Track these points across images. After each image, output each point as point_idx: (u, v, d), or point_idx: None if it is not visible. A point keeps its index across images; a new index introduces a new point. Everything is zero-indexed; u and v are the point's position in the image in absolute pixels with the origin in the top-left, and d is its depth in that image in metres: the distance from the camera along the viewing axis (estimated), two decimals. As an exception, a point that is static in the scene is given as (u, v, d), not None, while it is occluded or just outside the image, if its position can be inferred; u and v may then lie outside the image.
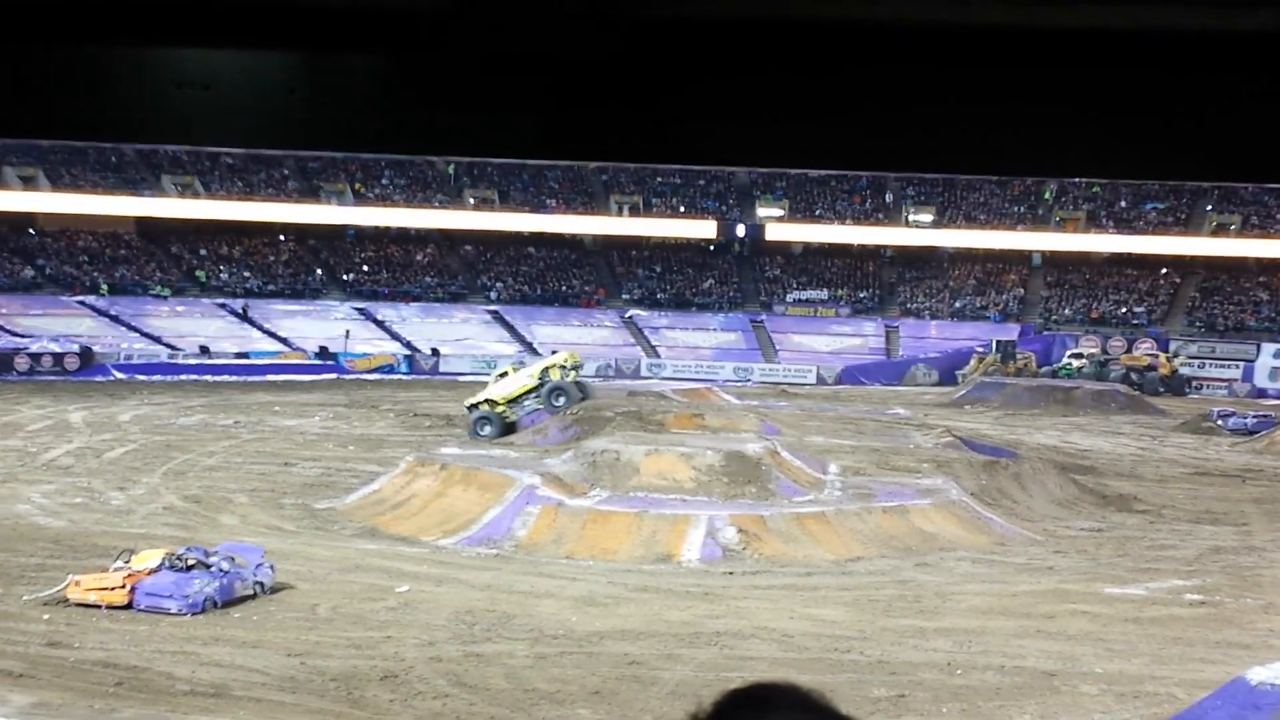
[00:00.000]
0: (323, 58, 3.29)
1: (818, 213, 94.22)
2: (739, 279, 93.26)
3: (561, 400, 52.30)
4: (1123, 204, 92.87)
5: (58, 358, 71.34)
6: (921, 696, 23.26)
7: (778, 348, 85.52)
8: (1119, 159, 3.37)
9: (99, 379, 68.78)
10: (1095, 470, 48.26)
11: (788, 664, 24.35)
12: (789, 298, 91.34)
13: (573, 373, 53.78)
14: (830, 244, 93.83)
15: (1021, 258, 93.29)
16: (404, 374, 77.49)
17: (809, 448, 43.93)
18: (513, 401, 53.20)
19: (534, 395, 53.21)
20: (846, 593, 30.59)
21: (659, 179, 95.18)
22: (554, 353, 56.96)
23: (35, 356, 70.93)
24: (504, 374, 54.57)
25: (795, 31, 3.08)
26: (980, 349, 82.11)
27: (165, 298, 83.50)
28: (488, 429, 51.82)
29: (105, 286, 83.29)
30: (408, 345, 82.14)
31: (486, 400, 53.16)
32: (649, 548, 33.55)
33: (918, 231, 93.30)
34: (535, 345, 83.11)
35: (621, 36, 3.09)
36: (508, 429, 52.22)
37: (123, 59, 3.31)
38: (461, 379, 75.23)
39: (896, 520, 35.82)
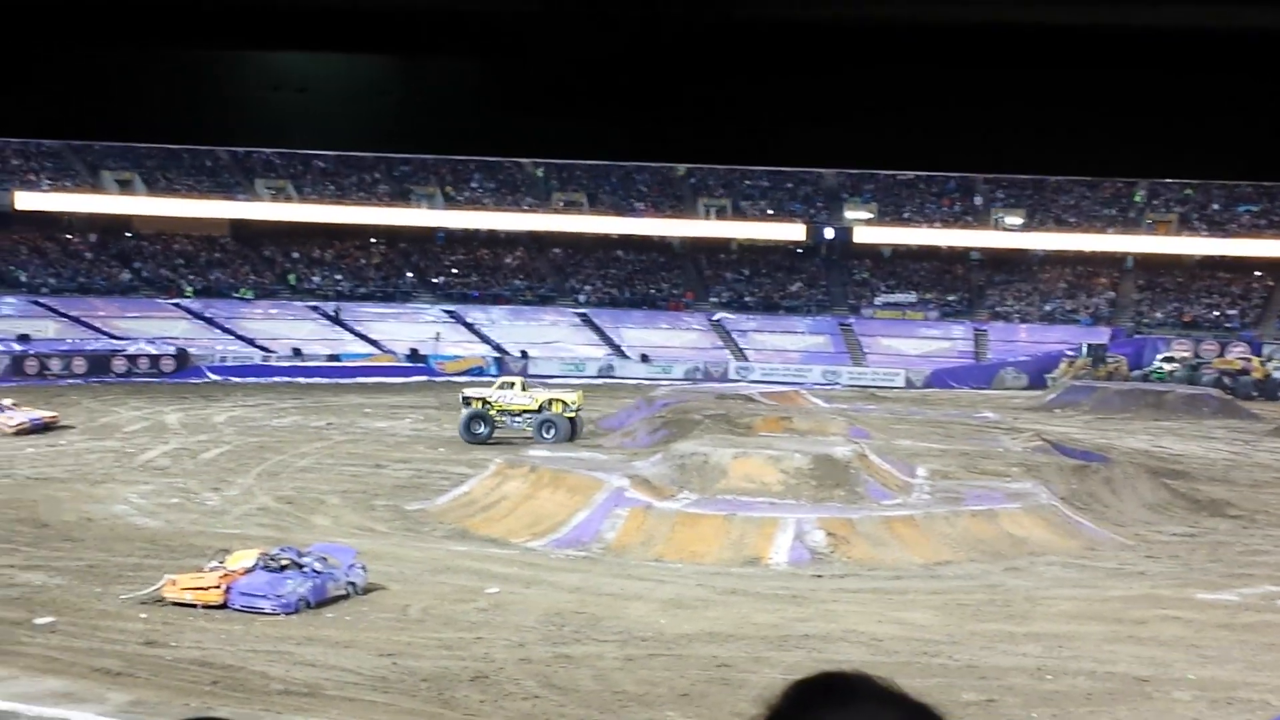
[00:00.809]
0: (415, 60, 3.34)
1: (906, 215, 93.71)
2: (827, 282, 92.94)
3: (551, 433, 51.73)
4: (1215, 206, 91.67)
5: (154, 360, 72.25)
6: (1011, 701, 23.13)
7: (866, 351, 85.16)
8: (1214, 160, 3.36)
9: (194, 381, 69.61)
10: (1187, 475, 47.70)
11: (876, 668, 24.04)
12: (877, 301, 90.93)
13: (574, 412, 53.42)
14: (919, 247, 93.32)
15: (1112, 260, 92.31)
16: (493, 376, 77.77)
17: (897, 451, 43.74)
18: (505, 412, 53.21)
19: (527, 417, 53.02)
20: (935, 597, 30.44)
21: (747, 182, 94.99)
22: (571, 390, 56.95)
23: (132, 358, 71.86)
24: (510, 384, 54.91)
25: (874, 32, 3.10)
26: (1070, 352, 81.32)
27: (250, 300, 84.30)
28: (481, 430, 52.02)
29: (190, 289, 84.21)
30: (497, 348, 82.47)
31: (484, 400, 53.42)
32: (737, 550, 33.54)
33: (1007, 234, 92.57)
34: (624, 348, 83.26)
35: (706, 39, 3.12)
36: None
37: (220, 63, 3.37)
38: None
39: (986, 524, 35.59)
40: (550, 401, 53.43)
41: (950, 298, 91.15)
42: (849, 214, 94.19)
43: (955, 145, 3.34)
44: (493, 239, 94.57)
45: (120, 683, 24.16)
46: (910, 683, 1.64)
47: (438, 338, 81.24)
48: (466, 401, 53.65)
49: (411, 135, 3.54)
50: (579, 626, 27.82)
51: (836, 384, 77.22)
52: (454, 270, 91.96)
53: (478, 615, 28.55)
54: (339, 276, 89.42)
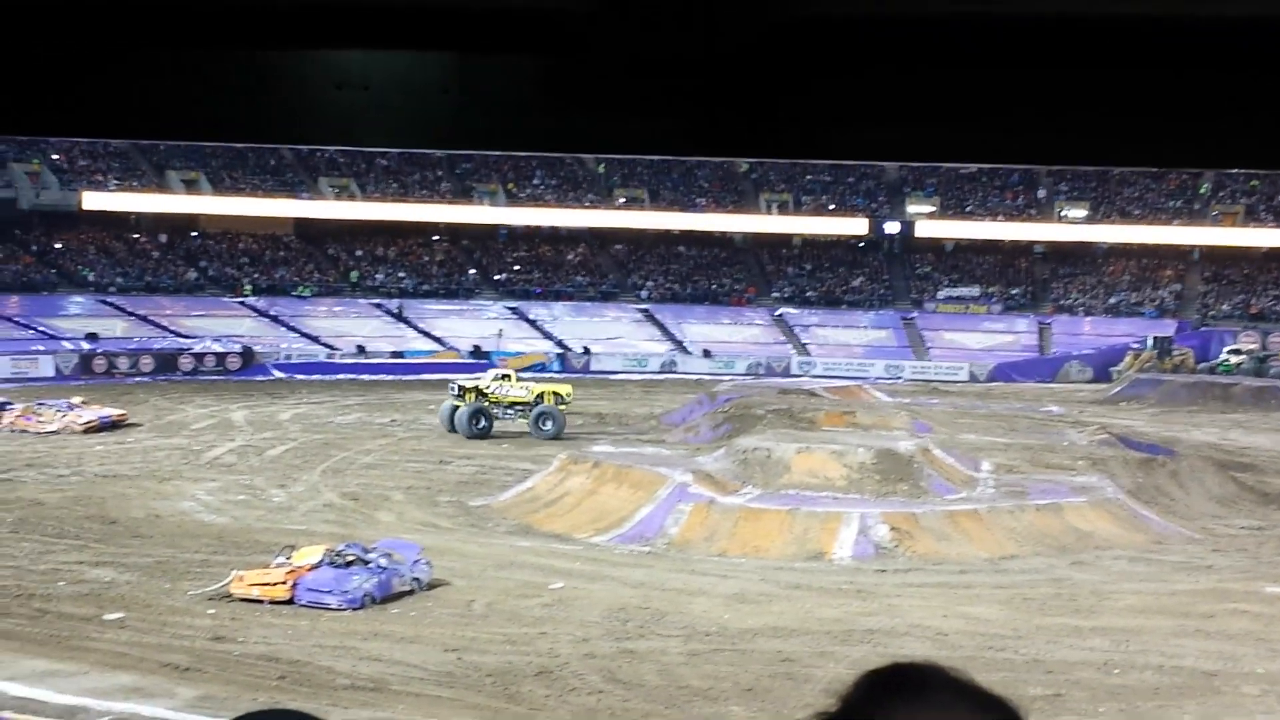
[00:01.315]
0: (475, 58, 3.37)
1: (969, 209, 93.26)
2: (889, 276, 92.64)
3: (548, 425, 51.92)
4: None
5: (220, 357, 72.84)
6: (1078, 696, 23.01)
7: (929, 345, 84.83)
8: None
9: (259, 378, 70.11)
10: (1255, 468, 47.27)
11: (942, 662, 24.18)
12: (940, 294, 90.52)
13: (565, 405, 53.63)
14: (982, 240, 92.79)
15: (1178, 253, 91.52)
16: (556, 372, 77.94)
17: (961, 445, 43.55)
18: (499, 404, 53.11)
19: (520, 409, 53.06)
20: (1001, 591, 30.31)
21: (809, 176, 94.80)
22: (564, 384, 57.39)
23: (199, 356, 72.47)
24: (505, 376, 54.78)
25: (936, 28, 3.11)
26: (1136, 345, 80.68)
27: (307, 297, 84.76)
28: (483, 424, 51.85)
29: (250, 288, 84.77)
30: (559, 344, 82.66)
31: (480, 391, 53.27)
32: (801, 545, 33.50)
33: (1071, 227, 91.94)
34: (686, 344, 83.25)
35: (765, 33, 3.14)
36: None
37: (285, 62, 3.41)
38: (613, 377, 75.59)
39: (1051, 518, 35.40)
40: (544, 394, 53.70)
41: (1014, 291, 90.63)
42: (911, 208, 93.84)
43: (1016, 138, 3.34)
44: (554, 236, 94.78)
45: (189, 678, 24.39)
46: (976, 678, 1.66)
47: (500, 334, 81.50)
48: (460, 393, 53.40)
49: (472, 132, 3.57)
50: (643, 621, 27.86)
51: (899, 378, 76.96)
52: (516, 267, 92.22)
53: (542, 610, 28.64)
54: (402, 274, 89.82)
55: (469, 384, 53.89)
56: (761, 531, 34.15)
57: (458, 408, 52.74)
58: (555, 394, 53.73)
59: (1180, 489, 40.35)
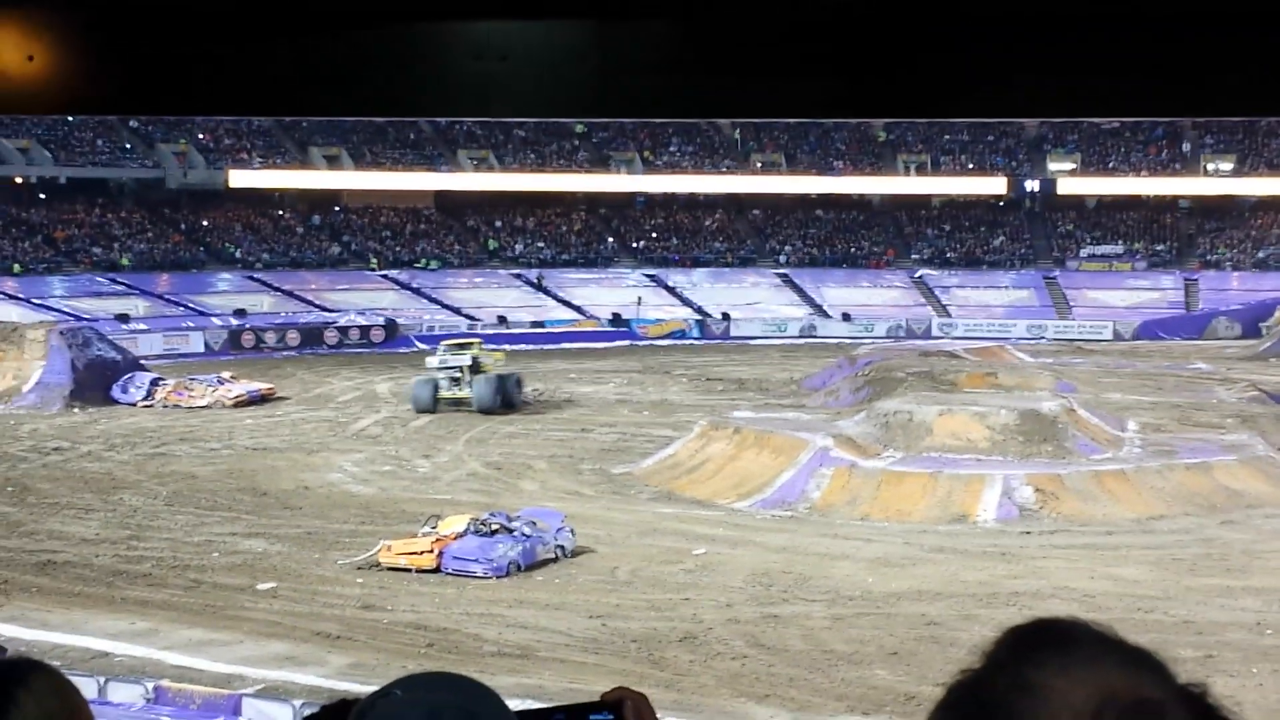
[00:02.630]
0: (611, 25, 3.38)
1: (1111, 165, 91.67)
2: (1030, 235, 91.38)
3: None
4: None
5: (364, 330, 73.72)
6: (1230, 657, 22.67)
7: (1072, 304, 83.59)
8: None
9: (403, 350, 70.81)
10: None
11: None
12: (1083, 253, 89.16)
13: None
14: (1125, 196, 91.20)
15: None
16: (695, 339, 78.01)
17: (1106, 405, 43.03)
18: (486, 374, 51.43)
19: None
20: (1149, 552, 29.92)
21: (946, 136, 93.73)
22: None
23: (343, 330, 73.43)
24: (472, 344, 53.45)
25: None
26: (1287, 300, 78.88)
27: (435, 270, 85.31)
28: (499, 398, 50.30)
29: (375, 260, 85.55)
30: (698, 310, 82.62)
31: (476, 365, 51.57)
32: (944, 508, 33.30)
33: (1217, 180, 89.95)
34: (825, 307, 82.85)
35: None
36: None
37: (424, 35, 3.45)
38: (752, 343, 75.48)
39: (1200, 477, 34.85)
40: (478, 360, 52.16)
41: (1158, 247, 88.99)
42: (1052, 165, 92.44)
43: (1163, 88, 3.30)
44: (692, 202, 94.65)
45: (340, 646, 24.84)
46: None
47: (639, 302, 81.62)
48: (472, 367, 51.21)
49: (610, 100, 3.59)
50: (786, 586, 27.87)
51: (1042, 338, 75.97)
52: (654, 234, 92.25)
53: (685, 576, 28.76)
54: (541, 244, 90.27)
55: (469, 357, 51.75)
56: (904, 495, 34.00)
57: (452, 384, 50.84)
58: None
59: (1333, 446, 39.52)
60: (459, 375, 50.77)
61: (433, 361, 52.05)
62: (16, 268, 76.40)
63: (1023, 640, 1.50)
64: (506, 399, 50.89)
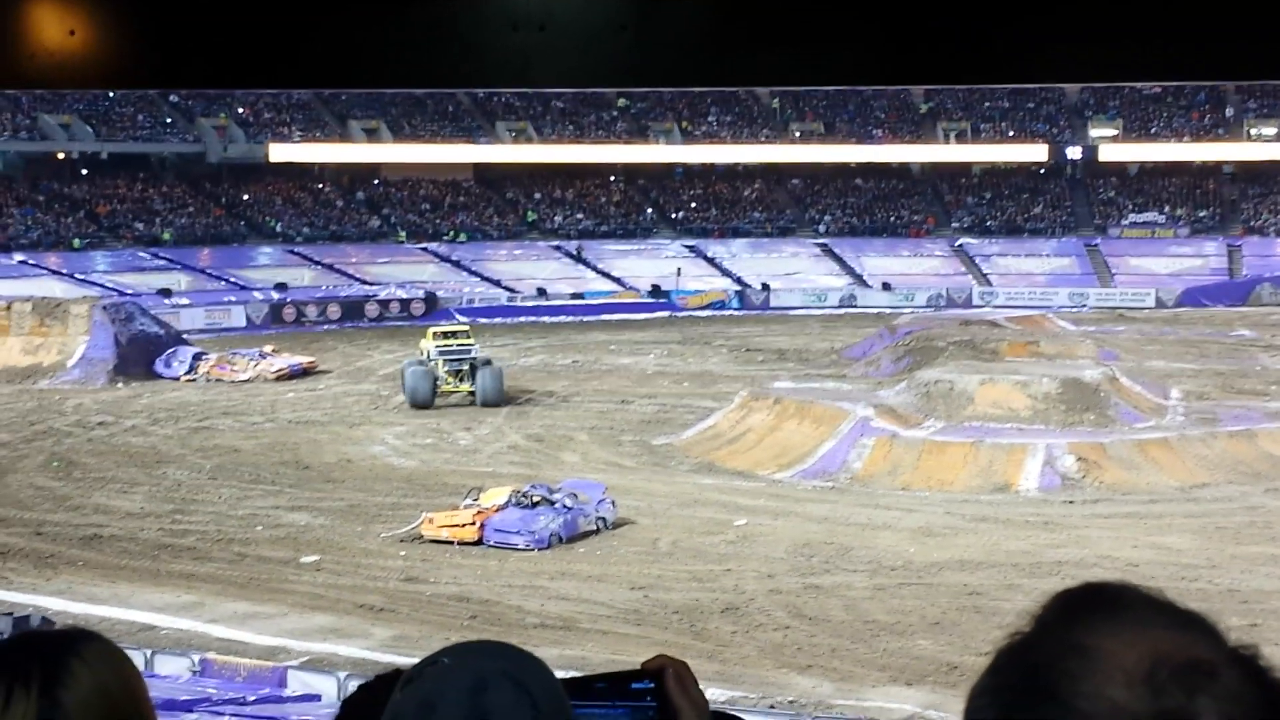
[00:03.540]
0: None
1: (1153, 131, 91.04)
2: (1072, 202, 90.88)
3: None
4: None
5: (405, 304, 73.88)
6: (1276, 626, 22.57)
7: (1114, 271, 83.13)
8: None
9: (443, 323, 70.99)
10: None
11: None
12: (1125, 220, 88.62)
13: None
14: (1167, 162, 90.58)
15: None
16: (735, 310, 77.90)
17: (1149, 373, 42.82)
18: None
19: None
20: (1193, 520, 29.80)
21: (986, 103, 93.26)
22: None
23: (384, 303, 73.62)
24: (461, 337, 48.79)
25: None
26: (1332, 265, 78.34)
27: (462, 242, 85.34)
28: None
29: (403, 234, 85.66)
30: (738, 281, 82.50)
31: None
32: (986, 478, 33.23)
33: (1261, 145, 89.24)
34: (865, 277, 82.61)
35: None
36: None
37: (462, 6, 3.45)
38: (792, 313, 75.34)
39: (1244, 445, 34.67)
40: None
41: (1201, 214, 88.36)
42: (1093, 132, 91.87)
43: (1206, 52, 3.27)
44: (731, 172, 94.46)
45: (383, 618, 24.97)
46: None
47: (679, 273, 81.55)
48: (451, 354, 47.52)
49: (648, 69, 3.58)
50: (828, 557, 27.88)
51: (1084, 306, 75.58)
52: (693, 205, 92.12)
53: (726, 547, 28.79)
54: (580, 215, 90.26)
55: (462, 347, 47.92)
56: (946, 464, 33.94)
57: (453, 375, 47.08)
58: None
59: (1380, 413, 39.24)
60: (463, 368, 47.06)
61: (428, 347, 48.09)
62: (76, 242, 76.99)
63: (1072, 603, 1.50)
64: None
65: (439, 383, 46.32)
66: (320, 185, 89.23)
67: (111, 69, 3.57)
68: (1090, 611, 1.46)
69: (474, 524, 29.28)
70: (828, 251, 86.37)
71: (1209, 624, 1.46)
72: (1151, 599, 1.48)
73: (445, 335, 48.59)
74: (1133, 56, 3.35)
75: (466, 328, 51.56)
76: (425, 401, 45.47)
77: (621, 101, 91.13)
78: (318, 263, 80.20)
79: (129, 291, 67.82)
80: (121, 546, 29.74)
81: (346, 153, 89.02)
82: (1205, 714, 1.33)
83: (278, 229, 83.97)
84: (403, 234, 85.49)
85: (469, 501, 30.44)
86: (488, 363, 47.42)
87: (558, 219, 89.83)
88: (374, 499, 33.46)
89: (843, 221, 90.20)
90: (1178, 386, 41.34)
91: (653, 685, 2.01)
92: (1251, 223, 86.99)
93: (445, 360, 46.85)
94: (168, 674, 21.28)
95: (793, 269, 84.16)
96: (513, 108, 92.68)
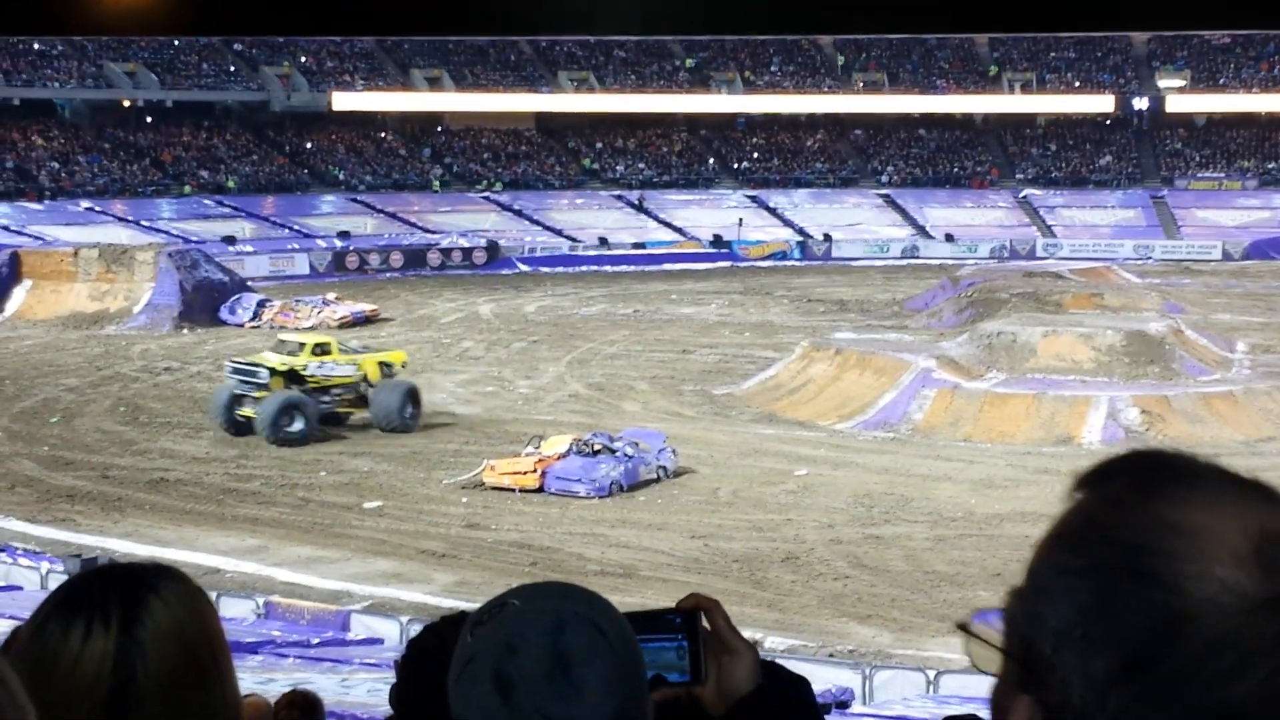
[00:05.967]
0: None
1: (1221, 81, 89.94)
2: (1138, 154, 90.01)
3: (295, 424, 34.23)
4: None
5: (466, 253, 73.98)
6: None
7: (1180, 224, 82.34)
8: None
9: (505, 272, 71.09)
10: None
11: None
12: (1192, 172, 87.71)
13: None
14: (1235, 114, 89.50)
15: None
16: (797, 260, 77.65)
17: (1215, 326, 42.52)
18: (320, 388, 36.32)
19: (345, 391, 36.89)
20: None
21: (1052, 53, 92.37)
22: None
23: (446, 252, 73.73)
24: (323, 347, 37.53)
25: None
26: (1404, 218, 77.29)
27: (500, 191, 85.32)
28: (298, 424, 34.31)
29: (437, 183, 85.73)
30: (800, 231, 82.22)
31: (293, 373, 35.96)
32: (1048, 430, 33.11)
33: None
34: (928, 228, 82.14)
35: None
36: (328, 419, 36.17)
37: None
38: (854, 264, 75.05)
39: (1310, 399, 34.42)
40: (367, 367, 37.63)
41: (1270, 165, 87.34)
42: (1161, 82, 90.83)
43: (1275, 1, 3.26)
44: (793, 123, 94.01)
45: (445, 564, 25.19)
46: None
47: (740, 223, 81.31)
48: (255, 375, 35.85)
49: (712, 17, 3.59)
50: (888, 507, 27.89)
51: (1149, 259, 74.93)
52: (755, 155, 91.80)
53: (787, 497, 28.84)
54: (642, 165, 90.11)
55: (277, 362, 36.17)
56: (1007, 416, 33.83)
57: (246, 397, 35.29)
58: (384, 364, 38.07)
59: None
60: (251, 393, 35.31)
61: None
62: (187, 189, 77.72)
63: (1141, 473, 1.38)
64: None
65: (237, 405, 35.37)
66: (383, 134, 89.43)
67: (177, 15, 3.63)
68: (1165, 484, 1.35)
69: (535, 471, 29.43)
70: (890, 202, 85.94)
71: (1274, 491, 1.38)
72: (1222, 470, 1.39)
73: (290, 346, 38.17)
74: (1202, 4, 3.34)
75: (325, 340, 39.29)
76: (228, 424, 35.15)
77: (688, 61, 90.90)
78: (380, 211, 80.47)
79: (194, 239, 68.26)
80: (187, 490, 30.08)
81: (409, 101, 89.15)
82: None
83: (340, 177, 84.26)
84: (436, 183, 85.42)
85: (530, 449, 30.59)
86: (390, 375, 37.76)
87: (619, 168, 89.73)
88: (436, 446, 33.65)
89: (905, 172, 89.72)
90: (1243, 340, 41.02)
91: (680, 620, 2.04)
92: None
93: (238, 379, 36.21)
94: (233, 617, 21.55)
95: (855, 220, 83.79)
96: (575, 57, 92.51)
